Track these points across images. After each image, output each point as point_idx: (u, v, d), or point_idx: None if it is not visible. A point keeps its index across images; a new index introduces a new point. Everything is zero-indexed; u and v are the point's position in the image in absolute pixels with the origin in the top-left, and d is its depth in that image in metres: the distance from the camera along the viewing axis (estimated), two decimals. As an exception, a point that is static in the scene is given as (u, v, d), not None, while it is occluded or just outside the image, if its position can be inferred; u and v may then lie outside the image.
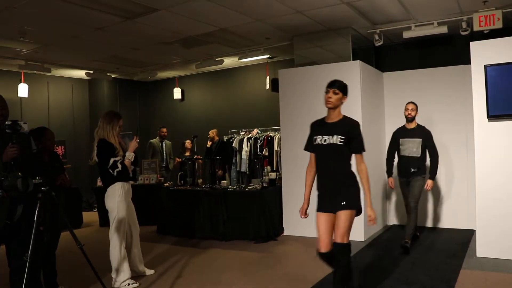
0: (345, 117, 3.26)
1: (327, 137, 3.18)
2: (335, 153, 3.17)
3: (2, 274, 3.54)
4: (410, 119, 5.23)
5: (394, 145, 5.37)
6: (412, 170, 5.14)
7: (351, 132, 3.17)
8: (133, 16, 5.65)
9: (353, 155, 3.23)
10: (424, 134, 5.20)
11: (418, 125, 5.28)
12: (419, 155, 5.16)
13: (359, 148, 3.21)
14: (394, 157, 5.43)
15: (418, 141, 5.16)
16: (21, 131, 3.04)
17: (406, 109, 5.25)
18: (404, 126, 5.33)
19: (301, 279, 4.28)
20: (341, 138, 3.13)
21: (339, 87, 3.19)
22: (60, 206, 3.46)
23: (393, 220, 6.72)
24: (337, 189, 3.17)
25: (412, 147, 5.18)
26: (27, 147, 3.30)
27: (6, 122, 2.99)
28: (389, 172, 5.44)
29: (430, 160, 5.18)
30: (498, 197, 4.70)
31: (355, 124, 3.22)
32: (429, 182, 5.14)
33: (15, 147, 2.96)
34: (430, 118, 6.33)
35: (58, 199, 3.35)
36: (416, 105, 5.27)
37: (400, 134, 5.33)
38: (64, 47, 7.08)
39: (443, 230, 6.12)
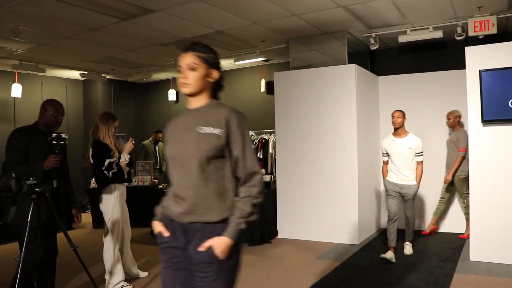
0: None
1: None
2: None
3: (1, 274, 3.51)
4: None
5: None
6: None
7: None
8: (128, 17, 5.63)
9: None
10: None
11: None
12: None
13: None
14: None
15: None
16: (65, 143, 3.34)
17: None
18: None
19: (295, 282, 4.27)
20: None
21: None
22: (53, 207, 3.43)
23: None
24: None
25: None
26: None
27: (53, 135, 3.29)
28: None
29: None
30: (492, 201, 4.72)
31: None
32: None
33: (57, 157, 3.25)
34: (425, 123, 6.36)
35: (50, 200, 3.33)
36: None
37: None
38: (58, 47, 7.04)
39: (436, 234, 6.14)
